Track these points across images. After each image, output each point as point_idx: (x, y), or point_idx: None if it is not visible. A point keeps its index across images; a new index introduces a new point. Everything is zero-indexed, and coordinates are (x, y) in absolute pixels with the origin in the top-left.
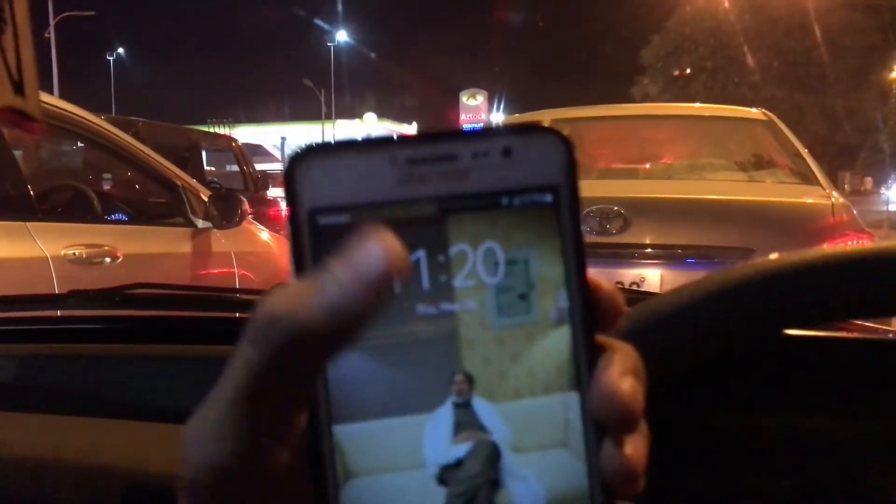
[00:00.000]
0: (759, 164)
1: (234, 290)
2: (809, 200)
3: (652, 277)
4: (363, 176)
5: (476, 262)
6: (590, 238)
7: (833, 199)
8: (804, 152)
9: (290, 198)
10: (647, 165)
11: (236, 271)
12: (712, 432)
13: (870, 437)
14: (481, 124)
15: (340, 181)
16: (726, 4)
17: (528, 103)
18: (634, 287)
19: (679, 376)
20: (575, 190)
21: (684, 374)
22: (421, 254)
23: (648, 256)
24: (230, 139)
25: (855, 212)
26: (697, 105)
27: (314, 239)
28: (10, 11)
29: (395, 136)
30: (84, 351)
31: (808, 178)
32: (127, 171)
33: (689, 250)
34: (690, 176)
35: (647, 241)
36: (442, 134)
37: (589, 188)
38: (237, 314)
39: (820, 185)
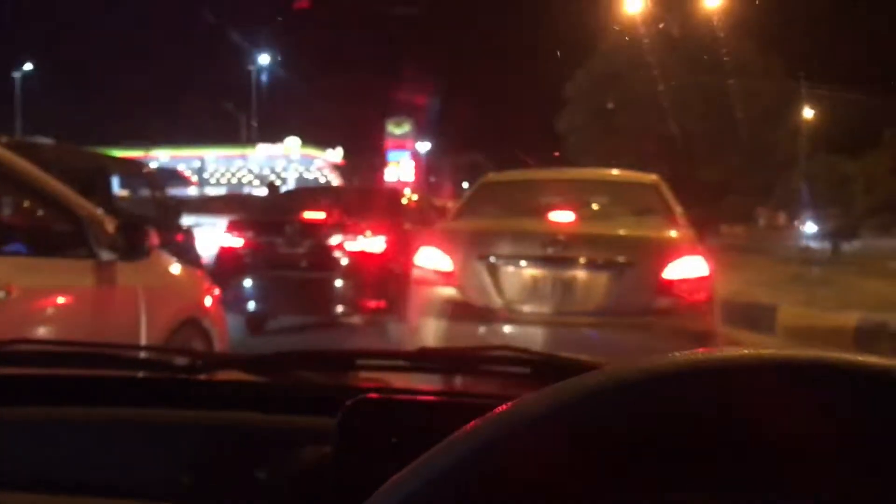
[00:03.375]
0: (645, 211)
1: (124, 347)
2: (667, 233)
3: (579, 276)
4: None
5: None
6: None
7: (680, 233)
8: (674, 204)
9: None
10: (569, 211)
11: (143, 306)
12: None
13: None
14: (408, 151)
15: None
16: (646, 41)
17: (458, 134)
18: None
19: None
20: None
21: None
22: None
23: (568, 264)
24: (142, 164)
25: (694, 239)
26: (613, 171)
27: None
28: None
29: None
30: None
31: (673, 221)
32: (24, 198)
33: (595, 257)
34: (597, 217)
35: (568, 255)
36: None
37: (531, 225)
38: (128, 372)
39: (679, 225)
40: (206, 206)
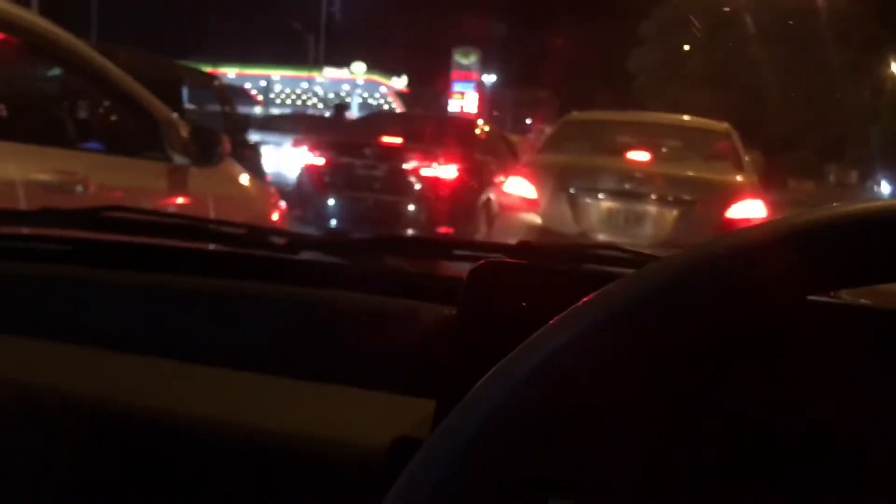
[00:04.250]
0: (714, 157)
1: (216, 222)
2: (732, 177)
3: (650, 210)
4: None
5: None
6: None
7: (744, 178)
8: (742, 152)
9: None
10: (645, 152)
11: (212, 213)
12: (736, 415)
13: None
14: (473, 82)
15: None
16: None
17: (524, 69)
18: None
19: (696, 348)
20: None
21: (702, 346)
22: None
23: (641, 199)
24: (213, 78)
25: (756, 185)
26: (686, 117)
27: None
28: None
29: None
30: (55, 272)
31: (739, 167)
32: (104, 98)
33: (665, 195)
34: (670, 158)
35: (641, 192)
36: None
37: (612, 163)
38: (217, 246)
39: (744, 171)
40: (271, 124)
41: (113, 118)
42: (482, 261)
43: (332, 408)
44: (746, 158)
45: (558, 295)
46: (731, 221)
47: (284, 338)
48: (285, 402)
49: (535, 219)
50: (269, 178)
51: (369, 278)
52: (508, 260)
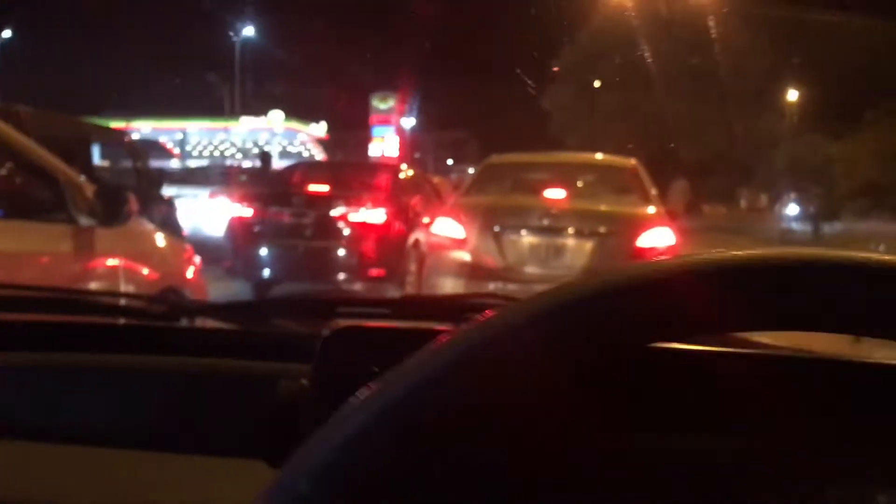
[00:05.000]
0: (624, 191)
1: (93, 293)
2: (641, 209)
3: (569, 243)
4: None
5: None
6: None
7: (652, 209)
8: (649, 185)
9: None
10: (561, 189)
11: (121, 274)
12: (583, 453)
13: (746, 453)
14: (392, 126)
15: None
16: (633, 20)
17: (442, 111)
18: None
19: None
20: None
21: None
22: None
23: (559, 233)
24: (123, 134)
25: (664, 215)
26: (598, 155)
27: None
28: None
29: None
30: None
31: (647, 199)
32: (2, 160)
33: (581, 228)
34: (584, 195)
35: (559, 227)
36: None
37: (532, 201)
38: (94, 318)
39: (652, 202)
40: (188, 177)
41: (14, 181)
42: (331, 330)
43: (183, 479)
44: (652, 190)
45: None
46: (642, 250)
47: (153, 410)
48: (134, 477)
49: (464, 256)
50: (186, 232)
51: (247, 342)
52: (364, 324)
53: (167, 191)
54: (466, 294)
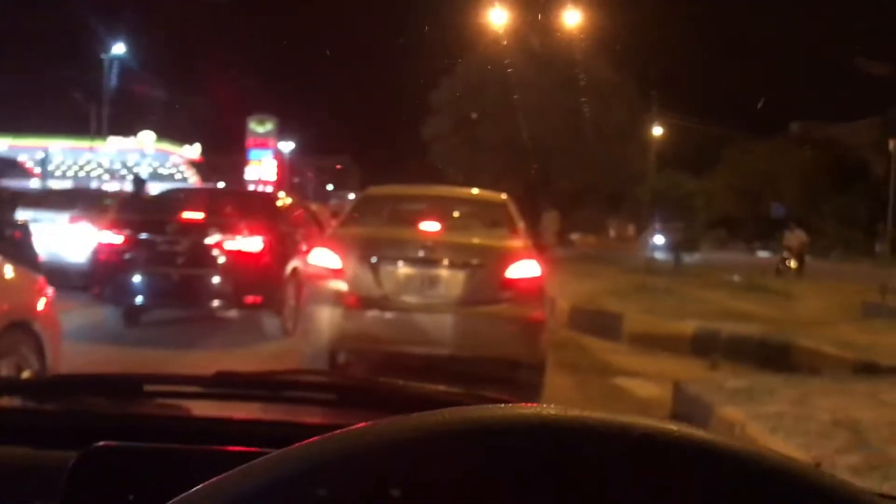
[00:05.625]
0: (494, 224)
1: None
2: (510, 242)
3: (442, 274)
4: None
5: None
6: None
7: (520, 242)
8: (518, 219)
9: None
10: (436, 222)
11: None
12: None
13: None
14: (270, 150)
15: None
16: (508, 55)
17: (322, 136)
18: None
19: None
20: None
21: None
22: None
23: (433, 264)
24: None
25: (531, 247)
26: (474, 190)
27: None
28: None
29: None
30: None
31: (516, 233)
32: None
33: (454, 260)
34: (457, 228)
35: (433, 258)
36: None
37: (407, 233)
38: None
39: (520, 235)
40: (47, 200)
41: None
42: (81, 452)
43: None
44: (520, 223)
45: (171, 481)
46: (511, 281)
47: None
48: None
49: (342, 286)
50: (42, 258)
51: (49, 426)
52: (120, 444)
53: (22, 214)
54: (280, 370)
